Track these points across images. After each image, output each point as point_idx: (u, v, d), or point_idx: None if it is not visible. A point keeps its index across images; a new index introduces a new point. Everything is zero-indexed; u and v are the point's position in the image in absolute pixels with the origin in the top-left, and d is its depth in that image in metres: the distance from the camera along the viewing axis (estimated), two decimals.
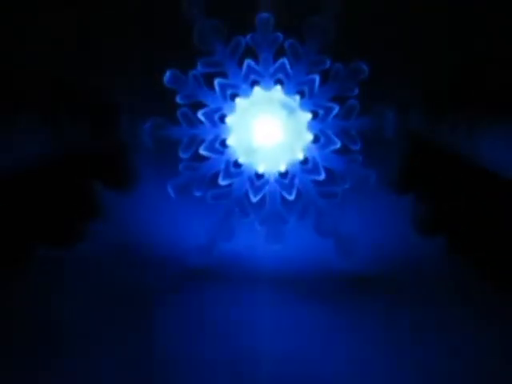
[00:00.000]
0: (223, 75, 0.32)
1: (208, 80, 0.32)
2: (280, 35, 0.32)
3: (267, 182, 0.33)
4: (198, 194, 0.33)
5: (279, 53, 0.32)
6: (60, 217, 0.32)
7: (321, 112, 0.32)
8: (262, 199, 0.33)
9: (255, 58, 0.32)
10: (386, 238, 0.35)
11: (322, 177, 0.33)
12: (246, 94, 0.32)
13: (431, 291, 0.34)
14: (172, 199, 0.33)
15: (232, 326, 0.32)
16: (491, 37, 0.34)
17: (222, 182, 0.33)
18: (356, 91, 0.32)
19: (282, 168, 0.33)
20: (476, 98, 0.29)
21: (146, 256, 0.35)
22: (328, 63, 0.32)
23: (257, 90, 0.32)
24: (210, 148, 0.32)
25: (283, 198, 0.33)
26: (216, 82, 0.32)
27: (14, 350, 0.31)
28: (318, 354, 0.31)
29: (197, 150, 0.32)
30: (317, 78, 0.32)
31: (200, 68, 0.32)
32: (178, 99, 0.32)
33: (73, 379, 0.30)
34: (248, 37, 0.32)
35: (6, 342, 0.31)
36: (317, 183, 0.33)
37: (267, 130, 0.32)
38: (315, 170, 0.33)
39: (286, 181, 0.33)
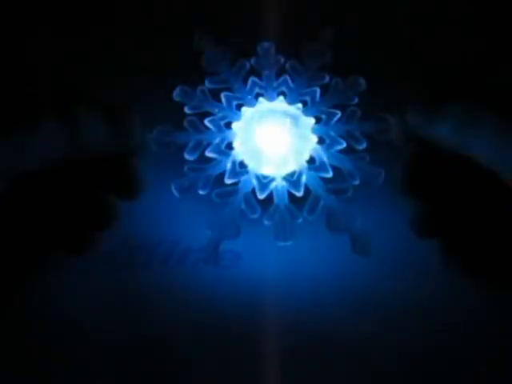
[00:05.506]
0: (229, 90, 0.34)
1: (215, 96, 0.34)
2: (281, 58, 0.35)
3: (274, 179, 0.32)
4: (203, 192, 0.32)
5: (281, 73, 0.35)
6: (68, 222, 0.31)
7: (323, 117, 0.33)
8: (270, 197, 0.32)
9: (259, 77, 0.34)
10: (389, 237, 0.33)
11: (330, 174, 0.32)
12: (251, 105, 0.34)
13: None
14: (178, 200, 0.32)
15: (239, 327, 0.28)
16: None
17: (227, 180, 0.32)
18: (356, 100, 0.33)
19: (289, 169, 0.32)
20: (465, 96, 0.30)
21: (152, 257, 0.33)
22: (327, 78, 0.34)
23: (261, 100, 0.34)
24: (216, 150, 0.33)
25: (291, 195, 0.32)
26: (222, 94, 0.34)
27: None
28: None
29: (202, 153, 0.33)
30: (317, 90, 0.34)
31: (207, 84, 0.34)
32: (185, 109, 0.33)
33: None
34: (252, 60, 0.35)
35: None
36: (325, 180, 0.32)
37: (272, 134, 0.33)
38: (322, 167, 0.32)
39: (294, 178, 0.32)
